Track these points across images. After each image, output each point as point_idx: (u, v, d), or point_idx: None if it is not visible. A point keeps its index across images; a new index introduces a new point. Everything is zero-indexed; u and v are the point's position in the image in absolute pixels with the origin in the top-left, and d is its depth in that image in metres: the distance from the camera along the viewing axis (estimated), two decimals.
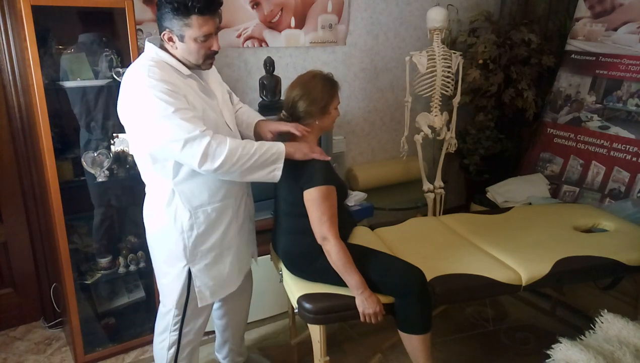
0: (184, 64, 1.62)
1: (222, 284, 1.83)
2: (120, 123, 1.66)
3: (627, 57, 3.08)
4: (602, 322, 1.79)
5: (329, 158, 1.76)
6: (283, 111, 1.83)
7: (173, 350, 1.86)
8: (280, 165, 1.65)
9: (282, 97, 2.73)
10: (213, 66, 1.75)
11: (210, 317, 1.99)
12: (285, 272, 1.92)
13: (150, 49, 1.62)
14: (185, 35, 1.55)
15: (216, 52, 1.65)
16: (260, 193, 2.10)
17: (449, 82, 2.94)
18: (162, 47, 1.63)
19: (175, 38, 1.57)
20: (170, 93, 1.52)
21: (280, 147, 1.65)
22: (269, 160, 1.62)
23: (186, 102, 1.56)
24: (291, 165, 1.76)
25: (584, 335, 1.77)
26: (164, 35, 1.58)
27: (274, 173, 1.65)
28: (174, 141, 1.52)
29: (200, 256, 1.75)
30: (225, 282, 1.84)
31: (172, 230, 1.71)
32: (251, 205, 1.96)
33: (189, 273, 1.75)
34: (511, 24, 3.61)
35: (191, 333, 1.88)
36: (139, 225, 2.02)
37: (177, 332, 1.84)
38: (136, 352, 2.47)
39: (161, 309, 1.87)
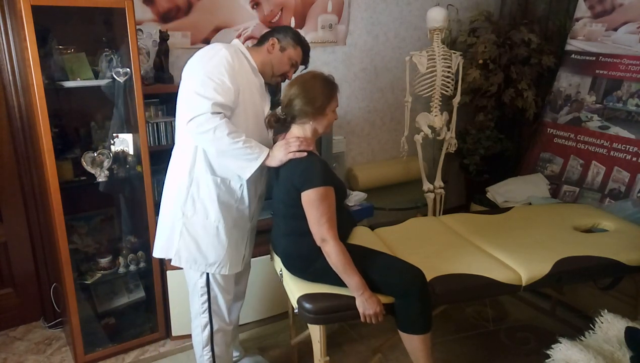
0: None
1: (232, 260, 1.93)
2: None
3: (627, 57, 3.08)
4: (602, 322, 1.80)
5: (304, 154, 1.74)
6: (279, 108, 1.82)
7: (207, 331, 1.98)
8: (253, 166, 1.75)
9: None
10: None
11: None
12: (285, 272, 1.92)
13: (236, 42, 1.92)
14: (287, 50, 1.92)
15: (285, 79, 1.97)
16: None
17: (449, 82, 2.94)
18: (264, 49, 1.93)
19: (277, 47, 1.91)
20: (227, 67, 1.74)
21: (263, 154, 1.76)
22: (245, 156, 1.74)
23: (235, 83, 1.75)
24: (288, 167, 1.75)
25: (584, 335, 1.77)
26: (270, 40, 1.91)
27: (244, 170, 1.77)
28: (192, 90, 1.72)
29: (193, 220, 1.88)
30: (230, 260, 1.93)
31: (177, 184, 1.90)
32: (256, 207, 2.03)
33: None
34: (511, 24, 3.61)
35: (219, 314, 1.98)
36: None
37: (207, 314, 1.96)
38: (136, 352, 2.47)
39: (190, 290, 2.00)
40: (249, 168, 1.75)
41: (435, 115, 2.97)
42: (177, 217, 1.87)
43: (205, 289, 1.93)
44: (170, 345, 2.51)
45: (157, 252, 1.96)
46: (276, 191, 1.86)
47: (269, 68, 1.93)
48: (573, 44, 3.36)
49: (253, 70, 1.88)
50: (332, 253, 1.69)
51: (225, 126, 1.69)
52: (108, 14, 2.28)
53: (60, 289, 2.39)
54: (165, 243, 1.92)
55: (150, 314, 2.55)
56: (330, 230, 1.69)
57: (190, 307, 2.01)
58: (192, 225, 1.86)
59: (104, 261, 2.38)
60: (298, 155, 1.74)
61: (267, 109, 1.94)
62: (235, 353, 2.31)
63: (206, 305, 1.95)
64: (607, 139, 3.08)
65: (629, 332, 1.69)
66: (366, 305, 1.70)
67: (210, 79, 1.71)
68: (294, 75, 1.89)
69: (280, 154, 1.75)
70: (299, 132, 1.81)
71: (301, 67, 1.99)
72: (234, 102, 1.76)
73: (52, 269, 2.61)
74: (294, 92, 1.76)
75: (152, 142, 2.36)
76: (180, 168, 1.87)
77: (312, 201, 1.69)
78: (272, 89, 2.67)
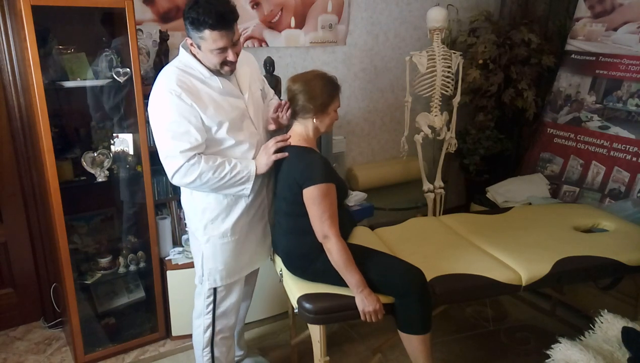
0: (207, 67, 1.73)
1: (231, 270, 1.92)
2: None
3: (627, 57, 3.08)
4: (602, 322, 1.80)
5: (286, 154, 1.79)
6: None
7: (208, 333, 1.98)
8: (249, 185, 1.80)
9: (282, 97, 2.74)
10: (252, 60, 1.94)
11: None
12: (285, 272, 1.92)
13: (181, 54, 1.77)
14: (202, 45, 1.67)
15: (232, 65, 1.73)
16: None
17: (449, 82, 2.94)
18: (191, 50, 1.75)
19: (195, 47, 1.70)
20: (179, 110, 1.66)
21: (251, 170, 1.79)
22: (238, 182, 1.78)
23: (194, 114, 1.68)
24: (289, 165, 1.77)
25: (584, 335, 1.77)
26: (187, 41, 1.72)
27: (243, 192, 1.81)
28: (160, 150, 1.73)
29: (212, 240, 1.87)
30: (234, 269, 1.93)
31: (192, 208, 1.89)
32: (269, 200, 2.00)
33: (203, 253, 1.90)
34: (511, 24, 3.61)
35: (223, 317, 1.98)
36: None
37: (210, 315, 1.96)
38: (136, 352, 2.47)
39: (196, 291, 2.00)
40: (246, 188, 1.80)
41: (435, 115, 2.97)
42: (202, 243, 1.89)
43: (212, 290, 1.93)
44: (170, 345, 2.51)
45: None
46: (279, 189, 1.87)
47: (210, 66, 1.73)
48: (573, 44, 3.36)
49: (205, 81, 1.73)
50: (334, 250, 1.70)
51: (206, 167, 1.70)
52: (108, 14, 2.28)
53: (60, 289, 2.39)
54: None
55: (150, 314, 2.55)
56: (332, 227, 1.70)
57: (195, 304, 2.01)
58: (213, 246, 1.88)
59: (104, 261, 2.38)
60: (280, 154, 1.79)
61: (243, 100, 1.81)
62: (240, 352, 2.31)
63: (211, 306, 1.95)
64: (607, 139, 3.08)
65: (625, 332, 1.69)
66: (366, 302, 1.70)
67: (168, 130, 1.67)
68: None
69: (264, 160, 1.80)
70: (301, 128, 1.83)
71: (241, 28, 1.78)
72: (202, 135, 1.69)
73: (52, 269, 2.61)
74: (297, 87, 1.79)
75: (152, 142, 2.36)
76: (188, 204, 1.90)
77: (313, 198, 1.70)
78: (272, 87, 2.68)
